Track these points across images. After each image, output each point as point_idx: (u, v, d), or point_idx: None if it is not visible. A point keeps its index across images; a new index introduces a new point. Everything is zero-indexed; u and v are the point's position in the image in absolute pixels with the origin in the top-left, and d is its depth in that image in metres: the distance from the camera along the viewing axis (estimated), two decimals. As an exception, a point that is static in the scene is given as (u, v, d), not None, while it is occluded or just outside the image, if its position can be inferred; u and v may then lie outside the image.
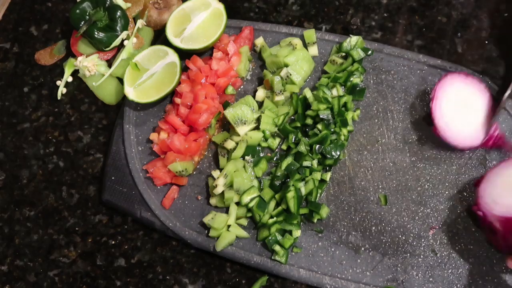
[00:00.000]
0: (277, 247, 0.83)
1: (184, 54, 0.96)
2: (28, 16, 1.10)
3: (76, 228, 0.92)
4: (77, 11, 0.99)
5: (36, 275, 0.89)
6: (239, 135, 0.89)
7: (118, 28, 1.00)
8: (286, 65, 0.93)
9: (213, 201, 0.88)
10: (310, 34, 0.96)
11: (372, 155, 0.89)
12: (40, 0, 1.11)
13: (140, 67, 0.94)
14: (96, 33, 0.99)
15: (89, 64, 0.98)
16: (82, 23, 0.99)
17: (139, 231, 0.91)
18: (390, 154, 0.88)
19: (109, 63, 1.02)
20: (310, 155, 0.87)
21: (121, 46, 1.02)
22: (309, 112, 0.89)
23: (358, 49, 0.92)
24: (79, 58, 0.99)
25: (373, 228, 0.85)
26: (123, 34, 0.99)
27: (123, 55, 0.98)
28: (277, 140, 0.91)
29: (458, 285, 0.80)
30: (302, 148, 0.87)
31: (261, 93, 0.94)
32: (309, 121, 0.89)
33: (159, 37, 1.03)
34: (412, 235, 0.84)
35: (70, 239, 0.91)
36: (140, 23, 1.01)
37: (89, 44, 1.02)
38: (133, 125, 0.95)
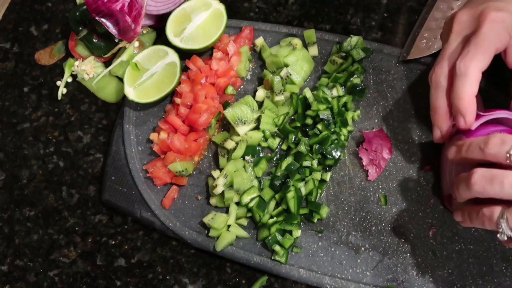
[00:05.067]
0: (277, 247, 0.83)
1: (184, 54, 0.96)
2: (28, 16, 1.10)
3: (76, 228, 0.92)
4: (77, 13, 0.99)
5: (36, 275, 0.89)
6: (239, 135, 0.89)
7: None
8: (286, 65, 0.93)
9: (213, 201, 0.88)
10: (310, 34, 0.96)
11: (372, 155, 0.89)
12: (40, 0, 1.11)
13: (140, 67, 0.94)
14: (94, 39, 0.99)
15: (87, 67, 0.98)
16: (81, 27, 0.99)
17: (139, 231, 0.91)
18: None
19: (109, 62, 1.02)
20: (310, 155, 0.87)
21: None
22: (309, 112, 0.89)
23: (358, 49, 0.92)
24: (76, 63, 0.99)
25: (373, 228, 0.85)
26: (122, 43, 0.99)
27: (123, 57, 0.98)
28: (277, 140, 0.91)
29: (458, 285, 0.80)
30: (302, 148, 0.87)
31: (261, 93, 0.94)
32: (309, 121, 0.89)
33: (160, 37, 1.03)
34: (412, 235, 0.84)
35: (70, 239, 0.91)
36: (144, 28, 1.01)
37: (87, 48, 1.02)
38: (133, 125, 0.95)
